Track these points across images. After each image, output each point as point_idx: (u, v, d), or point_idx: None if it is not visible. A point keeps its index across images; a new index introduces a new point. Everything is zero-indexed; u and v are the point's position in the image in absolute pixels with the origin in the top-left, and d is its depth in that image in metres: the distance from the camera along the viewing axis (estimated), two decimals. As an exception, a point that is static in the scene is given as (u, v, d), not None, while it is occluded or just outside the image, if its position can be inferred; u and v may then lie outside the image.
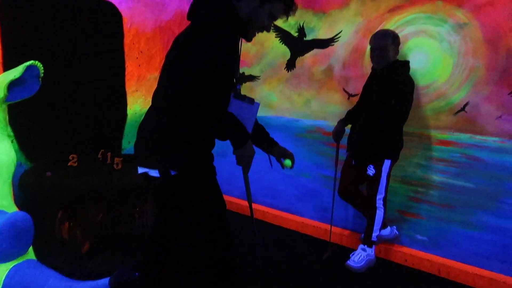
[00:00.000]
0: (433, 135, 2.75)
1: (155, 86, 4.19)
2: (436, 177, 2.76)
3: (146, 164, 1.65)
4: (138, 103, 3.88)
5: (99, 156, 3.22)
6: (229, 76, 1.60)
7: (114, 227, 2.71)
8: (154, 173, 1.61)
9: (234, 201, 3.78)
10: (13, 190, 1.87)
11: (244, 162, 1.68)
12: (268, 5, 1.62)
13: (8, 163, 1.79)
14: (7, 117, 2.01)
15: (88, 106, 3.40)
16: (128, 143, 3.81)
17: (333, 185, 2.98)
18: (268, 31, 1.72)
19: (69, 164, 2.97)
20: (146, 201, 2.85)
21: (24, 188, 2.70)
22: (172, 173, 1.58)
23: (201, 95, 1.49)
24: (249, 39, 1.72)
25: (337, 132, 2.90)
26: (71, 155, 3.00)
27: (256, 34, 1.73)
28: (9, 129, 2.77)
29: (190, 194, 1.67)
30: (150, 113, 1.70)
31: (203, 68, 1.47)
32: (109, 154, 3.17)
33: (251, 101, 1.78)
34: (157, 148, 1.60)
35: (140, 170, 1.69)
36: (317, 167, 3.46)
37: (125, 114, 3.75)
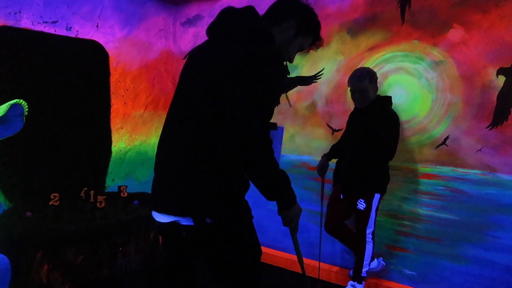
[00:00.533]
0: (417, 168, 2.80)
1: (140, 123, 4.17)
2: (422, 210, 2.77)
3: (174, 211, 1.34)
4: (123, 140, 3.86)
5: (82, 194, 3.15)
6: (280, 87, 1.45)
7: (95, 269, 2.61)
8: (186, 221, 1.31)
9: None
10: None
11: (294, 223, 1.48)
12: (301, 37, 1.53)
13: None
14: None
15: (72, 143, 3.37)
16: (112, 181, 3.75)
17: (319, 220, 2.96)
18: (291, 62, 1.60)
19: (50, 203, 2.89)
20: (129, 240, 2.78)
21: (2, 229, 2.60)
22: (208, 221, 1.30)
23: (257, 123, 1.27)
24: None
25: (322, 167, 2.92)
26: (52, 194, 2.93)
27: None
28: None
29: (229, 246, 1.38)
30: (175, 149, 1.37)
31: (262, 97, 1.28)
32: (92, 193, 3.11)
33: (274, 126, 1.57)
34: (193, 191, 1.30)
35: (164, 218, 1.37)
36: (303, 202, 3.42)
37: (109, 152, 3.72)
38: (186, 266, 1.52)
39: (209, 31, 1.50)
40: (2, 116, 1.77)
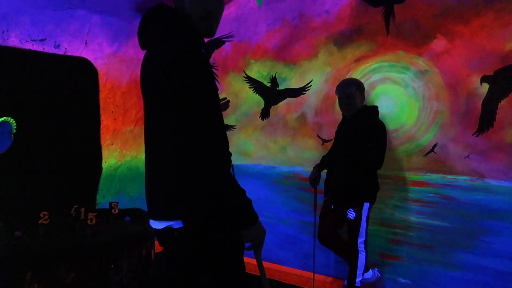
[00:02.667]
0: (407, 176, 2.83)
1: (130, 138, 4.16)
2: (414, 218, 2.79)
3: (166, 216, 1.37)
4: (113, 156, 3.84)
5: (72, 212, 3.11)
6: (212, 80, 1.33)
7: (87, 286, 2.57)
8: (178, 224, 1.35)
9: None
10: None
11: (257, 242, 1.40)
12: None
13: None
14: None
15: (61, 160, 3.34)
16: (102, 198, 3.72)
17: (313, 230, 2.96)
18: (212, 35, 1.48)
19: (39, 222, 2.85)
20: (122, 256, 2.74)
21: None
22: (197, 221, 1.34)
23: (197, 112, 1.26)
24: (211, 35, 1.48)
25: (314, 178, 2.93)
26: (42, 213, 2.89)
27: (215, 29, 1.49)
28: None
29: (216, 244, 1.40)
30: (154, 159, 1.43)
31: (191, 89, 1.26)
32: (82, 210, 3.08)
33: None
34: (177, 194, 1.33)
35: (158, 224, 1.41)
36: (296, 213, 3.45)
37: (100, 168, 3.70)
38: (184, 270, 1.52)
39: (139, 41, 1.50)
40: (-10, 135, 1.76)
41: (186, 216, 1.34)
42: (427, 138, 2.75)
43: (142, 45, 1.49)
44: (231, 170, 1.44)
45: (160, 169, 1.39)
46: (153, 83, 1.35)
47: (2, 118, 1.79)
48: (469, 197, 2.58)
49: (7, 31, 3.18)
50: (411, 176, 2.81)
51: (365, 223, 2.64)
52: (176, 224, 1.36)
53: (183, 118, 1.26)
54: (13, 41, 3.20)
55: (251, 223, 1.35)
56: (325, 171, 2.97)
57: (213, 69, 3.48)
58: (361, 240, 2.66)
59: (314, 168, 2.98)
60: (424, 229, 2.75)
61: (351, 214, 2.68)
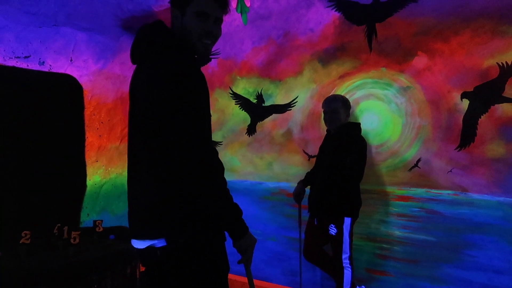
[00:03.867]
0: (392, 191, 2.86)
1: (116, 156, 4.09)
2: (399, 233, 2.81)
3: (148, 235, 1.33)
4: (98, 173, 3.79)
5: (55, 231, 3.05)
6: (206, 97, 1.34)
7: (69, 308, 2.50)
8: (161, 243, 1.31)
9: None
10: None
11: (248, 254, 1.41)
12: (189, 8, 1.40)
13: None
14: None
15: (44, 178, 3.28)
16: (87, 216, 3.65)
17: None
18: (212, 36, 1.45)
19: (20, 241, 2.78)
20: (105, 276, 2.68)
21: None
22: (180, 240, 1.30)
23: (184, 127, 1.26)
24: (206, 54, 1.48)
25: (297, 193, 2.94)
26: (23, 232, 2.82)
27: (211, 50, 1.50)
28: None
29: (201, 264, 1.35)
30: (138, 174, 1.38)
31: (180, 104, 1.26)
32: (65, 228, 3.01)
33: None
34: (160, 212, 1.30)
35: (140, 244, 1.36)
36: (283, 230, 3.43)
37: (84, 185, 3.64)
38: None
39: (131, 56, 1.51)
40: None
41: (170, 234, 1.30)
42: (411, 153, 2.79)
43: (134, 60, 1.50)
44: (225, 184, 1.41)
45: (144, 184, 1.34)
46: (144, 98, 1.32)
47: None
48: (453, 211, 2.62)
49: (-9, 48, 3.15)
50: (396, 190, 2.84)
51: (348, 239, 2.64)
52: (159, 243, 1.31)
53: (176, 134, 1.26)
54: (-3, 58, 3.17)
55: (244, 234, 1.38)
56: (309, 187, 2.98)
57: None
58: (345, 256, 2.65)
59: (298, 184, 2.99)
60: (409, 244, 2.77)
61: (332, 230, 2.68)
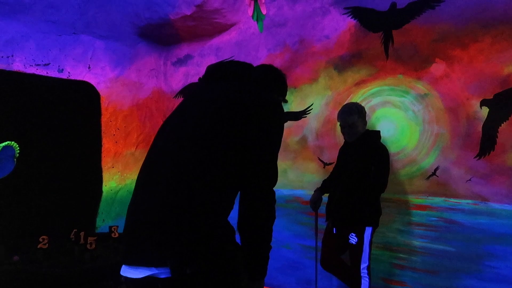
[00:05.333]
0: (409, 200, 2.81)
1: (131, 162, 4.11)
2: (417, 242, 2.76)
3: (151, 261, 1.09)
4: (114, 179, 3.83)
5: (72, 236, 3.08)
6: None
7: (85, 314, 2.52)
8: (164, 273, 1.07)
9: None
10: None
11: None
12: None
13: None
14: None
15: (62, 184, 3.33)
16: (102, 221, 3.69)
17: (314, 255, 2.92)
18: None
19: (38, 246, 2.82)
20: (120, 283, 2.69)
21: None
22: (188, 271, 1.07)
23: (269, 155, 1.27)
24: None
25: (315, 201, 2.91)
26: (41, 237, 2.86)
27: None
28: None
29: None
30: (161, 189, 1.16)
31: (273, 136, 1.30)
32: (82, 234, 3.05)
33: None
34: (176, 237, 1.09)
35: (137, 272, 1.10)
36: (298, 238, 3.41)
37: (100, 191, 3.68)
38: None
39: (214, 70, 1.50)
40: (-8, 158, 1.77)
41: (180, 263, 1.07)
42: (428, 161, 2.74)
43: (216, 72, 1.49)
44: None
45: (185, 200, 1.12)
46: (226, 117, 1.24)
47: (5, 143, 1.80)
48: (473, 221, 2.56)
49: (12, 56, 3.23)
50: (413, 199, 2.79)
51: (367, 248, 2.60)
52: (162, 273, 1.07)
53: (262, 160, 1.24)
54: (17, 66, 3.25)
55: (264, 276, 1.32)
56: (326, 195, 2.95)
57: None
58: (364, 265, 2.61)
59: (315, 191, 2.96)
60: (428, 254, 2.71)
61: (353, 239, 2.65)
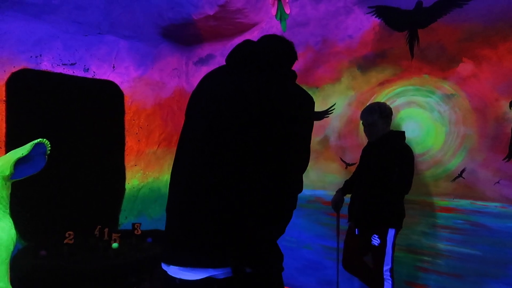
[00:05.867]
0: (434, 202, 2.76)
1: (153, 160, 4.15)
2: (442, 245, 2.71)
3: (210, 263, 1.09)
4: (136, 177, 3.89)
5: (96, 232, 3.14)
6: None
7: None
8: (223, 273, 1.09)
9: None
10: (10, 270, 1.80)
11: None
12: None
13: (8, 242, 1.75)
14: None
15: (86, 181, 3.40)
16: (125, 218, 3.74)
17: (336, 256, 2.90)
18: None
19: (65, 241, 2.88)
20: (144, 279, 2.73)
21: (16, 268, 2.58)
22: (247, 270, 1.10)
23: (303, 152, 1.25)
24: None
25: (336, 202, 2.90)
26: (67, 232, 2.93)
27: None
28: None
29: None
30: (208, 187, 1.15)
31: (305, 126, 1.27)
32: (106, 230, 3.10)
33: None
34: (235, 236, 1.10)
35: (194, 274, 1.10)
36: (319, 238, 3.39)
37: (123, 189, 3.74)
38: None
39: (234, 58, 1.37)
40: (26, 155, 1.82)
41: (239, 263, 1.09)
42: (454, 163, 2.69)
43: (239, 62, 1.34)
44: None
45: (225, 200, 1.12)
46: (254, 111, 1.18)
47: (37, 140, 1.85)
48: (501, 225, 2.49)
49: (40, 55, 3.31)
50: (439, 201, 2.74)
51: (390, 250, 2.57)
52: (221, 274, 1.08)
53: (294, 152, 1.22)
54: (45, 65, 3.33)
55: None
56: (348, 195, 2.93)
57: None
58: (386, 268, 2.58)
59: (336, 192, 2.95)
60: (453, 257, 2.66)
61: (376, 241, 2.62)
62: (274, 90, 1.22)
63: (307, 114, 1.28)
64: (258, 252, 1.13)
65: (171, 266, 1.14)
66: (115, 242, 2.90)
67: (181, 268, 1.11)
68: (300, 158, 1.25)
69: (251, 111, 1.18)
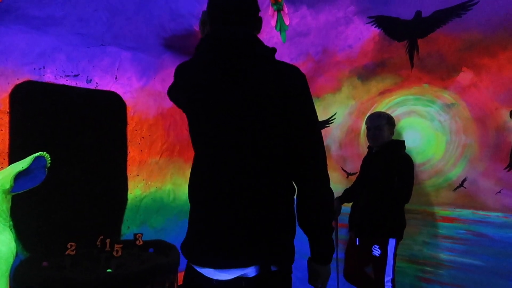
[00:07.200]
0: (435, 211, 2.75)
1: (156, 170, 4.16)
2: (444, 255, 2.69)
3: (242, 262, 1.13)
4: (138, 187, 3.90)
5: (98, 243, 3.15)
6: None
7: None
8: (252, 272, 1.14)
9: None
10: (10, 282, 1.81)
11: (324, 282, 1.33)
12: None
13: (7, 255, 1.76)
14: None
15: (88, 191, 3.42)
16: (127, 229, 3.75)
17: (336, 266, 2.89)
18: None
19: (66, 252, 2.89)
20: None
21: (19, 280, 2.60)
22: (273, 268, 1.15)
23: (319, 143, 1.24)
24: None
25: (334, 211, 2.90)
26: (69, 243, 2.94)
27: None
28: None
29: None
30: (237, 186, 1.16)
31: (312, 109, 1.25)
32: (108, 241, 3.11)
33: None
34: (264, 235, 1.14)
35: (229, 274, 1.14)
36: (321, 248, 3.38)
37: (125, 199, 3.75)
38: None
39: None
40: (26, 168, 1.83)
41: (267, 261, 1.13)
42: (455, 173, 2.68)
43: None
44: None
45: (260, 198, 1.16)
46: (263, 99, 1.16)
47: (38, 153, 1.87)
48: (503, 235, 2.48)
49: (44, 67, 3.35)
50: (440, 211, 2.73)
51: (391, 261, 2.56)
52: (250, 272, 1.13)
53: (311, 143, 1.21)
54: (49, 77, 3.37)
55: (331, 258, 1.30)
56: (348, 205, 2.93)
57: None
58: (388, 278, 2.57)
59: (335, 200, 2.94)
60: (455, 267, 2.64)
61: (376, 251, 2.61)
62: (287, 73, 1.22)
63: (307, 89, 1.26)
64: (284, 250, 1.17)
65: (206, 268, 1.17)
66: (117, 253, 2.90)
67: (216, 269, 1.15)
68: (320, 141, 1.24)
69: (274, 100, 1.16)
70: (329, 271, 1.32)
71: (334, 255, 2.93)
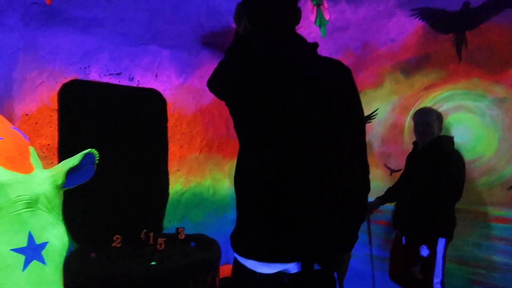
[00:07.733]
0: (488, 211, 2.62)
1: (195, 165, 4.21)
2: (497, 258, 2.56)
3: (285, 257, 1.17)
4: (179, 182, 3.98)
5: (142, 236, 3.23)
6: None
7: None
8: (294, 268, 1.16)
9: None
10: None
11: (345, 268, 1.30)
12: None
13: (61, 249, 1.82)
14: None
15: (132, 186, 3.51)
16: (169, 222, 3.83)
17: (375, 264, 2.81)
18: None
19: (113, 245, 2.98)
20: (188, 284, 2.77)
21: (69, 271, 2.70)
22: (316, 267, 1.17)
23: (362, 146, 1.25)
24: None
25: (369, 208, 2.82)
26: (115, 236, 3.02)
27: None
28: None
29: None
30: (290, 183, 1.18)
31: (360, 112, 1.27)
32: (151, 235, 3.18)
33: None
34: (307, 234, 1.16)
35: (271, 268, 1.17)
36: (364, 246, 3.30)
37: (167, 193, 3.83)
38: None
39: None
40: (76, 165, 1.90)
41: (310, 257, 1.15)
42: (510, 170, 2.54)
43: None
44: None
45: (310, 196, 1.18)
46: (313, 101, 1.17)
47: (87, 150, 1.92)
48: (562, 237, 2.33)
49: (88, 67, 3.46)
50: (493, 211, 2.60)
51: (441, 262, 2.46)
52: (292, 268, 1.15)
53: (357, 141, 1.23)
54: (93, 76, 3.48)
55: (353, 245, 1.27)
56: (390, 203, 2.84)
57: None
58: (437, 280, 2.48)
59: (375, 199, 2.87)
60: (510, 271, 2.51)
61: (424, 251, 2.52)
62: (335, 69, 1.23)
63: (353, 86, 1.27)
64: (328, 249, 1.17)
65: (250, 260, 1.21)
66: (160, 246, 2.97)
67: (260, 262, 1.18)
68: (363, 135, 1.24)
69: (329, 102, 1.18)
70: (350, 255, 1.31)
71: (382, 254, 2.87)
